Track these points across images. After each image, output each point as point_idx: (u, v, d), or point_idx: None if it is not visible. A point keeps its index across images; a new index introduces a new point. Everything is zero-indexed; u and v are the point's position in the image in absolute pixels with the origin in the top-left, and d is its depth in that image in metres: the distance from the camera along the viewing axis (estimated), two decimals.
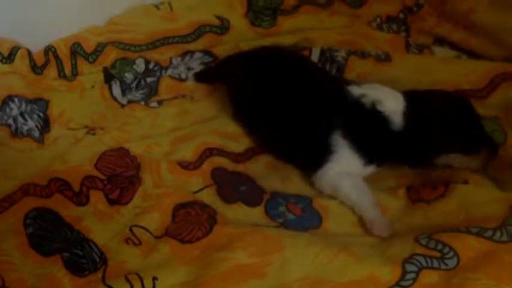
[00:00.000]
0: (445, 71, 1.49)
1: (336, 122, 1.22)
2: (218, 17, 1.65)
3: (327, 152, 1.22)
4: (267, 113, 1.34)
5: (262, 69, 1.42)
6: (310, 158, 1.26)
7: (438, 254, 0.99)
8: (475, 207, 1.13)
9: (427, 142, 1.19)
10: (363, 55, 1.57)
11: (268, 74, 1.39)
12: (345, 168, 1.21)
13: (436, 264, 0.98)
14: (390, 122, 1.18)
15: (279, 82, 1.35)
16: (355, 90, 1.24)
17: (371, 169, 1.23)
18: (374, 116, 1.20)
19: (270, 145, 1.36)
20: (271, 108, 1.33)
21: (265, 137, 1.37)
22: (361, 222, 1.16)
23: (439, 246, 1.00)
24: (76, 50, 1.53)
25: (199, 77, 1.60)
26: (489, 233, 1.01)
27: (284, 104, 1.31)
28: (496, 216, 1.06)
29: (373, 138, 1.21)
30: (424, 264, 0.97)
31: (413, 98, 1.21)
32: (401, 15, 1.76)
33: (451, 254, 0.99)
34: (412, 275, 0.96)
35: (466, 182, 1.20)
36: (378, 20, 1.75)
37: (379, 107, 1.20)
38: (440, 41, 1.70)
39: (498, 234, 1.01)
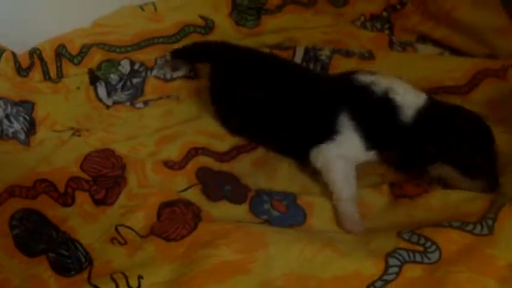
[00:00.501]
0: (428, 67, 1.51)
1: (344, 102, 1.23)
2: (202, 17, 1.66)
3: (332, 131, 1.22)
4: (270, 93, 1.34)
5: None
6: (314, 136, 1.25)
7: (421, 248, 1.00)
8: (458, 204, 1.14)
9: (429, 143, 1.18)
10: (347, 54, 1.58)
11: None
12: (345, 150, 1.22)
13: (418, 258, 0.99)
14: (400, 113, 1.19)
15: (284, 65, 1.41)
16: (367, 76, 1.25)
17: (370, 155, 1.23)
18: (384, 103, 1.20)
19: (266, 130, 1.36)
20: (277, 88, 1.34)
21: (261, 121, 1.36)
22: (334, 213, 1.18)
23: (422, 241, 1.01)
24: (61, 52, 1.53)
25: (177, 54, 1.60)
26: (470, 227, 1.02)
27: (293, 84, 1.32)
28: (477, 211, 1.07)
29: (379, 125, 1.21)
30: (407, 258, 0.99)
31: (437, 104, 1.22)
32: (384, 14, 1.77)
33: (434, 248, 1.00)
34: (395, 269, 0.97)
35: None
36: (362, 18, 1.76)
37: (392, 95, 1.20)
38: (424, 38, 1.71)
39: (479, 227, 1.02)
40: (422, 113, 1.19)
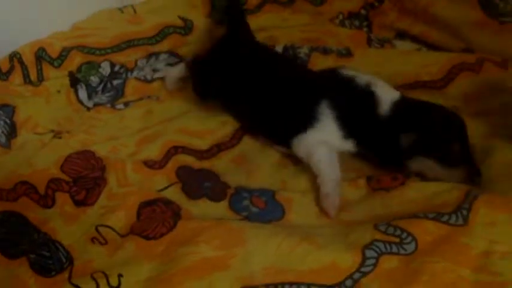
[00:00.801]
0: (405, 63, 1.52)
1: (325, 93, 1.26)
2: (182, 18, 1.67)
3: (312, 118, 1.25)
4: (258, 83, 1.39)
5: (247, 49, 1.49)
6: (295, 124, 1.28)
7: (397, 240, 1.02)
8: (433, 195, 1.15)
9: (404, 135, 1.21)
10: (325, 51, 1.59)
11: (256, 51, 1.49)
12: (325, 137, 1.25)
13: (395, 249, 1.01)
14: (378, 105, 1.22)
15: (270, 56, 1.46)
16: (350, 71, 1.29)
17: (349, 145, 1.25)
18: (364, 94, 1.24)
19: (255, 116, 1.40)
20: (263, 77, 1.39)
21: (250, 108, 1.40)
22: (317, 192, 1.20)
23: (398, 232, 1.03)
24: (41, 55, 1.53)
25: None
26: (445, 218, 1.04)
27: (276, 73, 1.38)
28: (452, 202, 1.08)
29: (357, 115, 1.24)
30: (384, 249, 1.00)
31: (412, 100, 1.25)
32: (363, 11, 1.79)
33: (410, 239, 1.02)
34: (372, 261, 0.99)
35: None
36: (340, 16, 1.78)
37: (373, 88, 1.24)
38: (402, 35, 1.73)
39: (454, 218, 1.04)
40: (399, 107, 1.22)
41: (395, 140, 1.21)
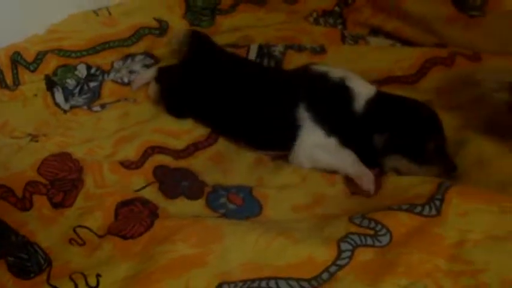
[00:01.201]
0: (378, 59, 1.54)
1: (299, 96, 1.27)
2: (157, 19, 1.68)
3: (294, 128, 1.27)
4: (232, 99, 1.38)
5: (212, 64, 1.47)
6: (283, 138, 1.30)
7: (371, 232, 1.03)
8: (406, 188, 1.17)
9: (378, 132, 1.23)
10: (299, 49, 1.60)
11: (223, 64, 1.46)
12: (312, 139, 1.26)
13: (370, 241, 1.02)
14: (353, 101, 1.24)
15: (237, 68, 1.43)
16: (322, 67, 1.29)
17: (332, 142, 1.26)
18: (339, 89, 1.25)
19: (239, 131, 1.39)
20: (236, 94, 1.37)
21: (231, 124, 1.39)
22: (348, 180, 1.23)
23: (372, 224, 1.04)
24: (16, 59, 1.53)
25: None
26: (419, 209, 1.06)
27: (248, 88, 1.37)
28: (425, 193, 1.10)
29: (334, 110, 1.25)
30: (359, 242, 1.02)
31: (387, 95, 1.27)
32: (336, 9, 1.81)
33: (384, 231, 1.03)
34: (348, 254, 1.00)
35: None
36: (315, 14, 1.79)
37: (348, 83, 1.25)
38: (376, 31, 1.74)
39: (427, 209, 1.06)
40: (373, 104, 1.24)
41: (370, 139, 1.23)
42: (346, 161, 1.23)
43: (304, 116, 1.26)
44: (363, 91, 1.25)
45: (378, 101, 1.25)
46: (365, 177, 1.19)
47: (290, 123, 1.27)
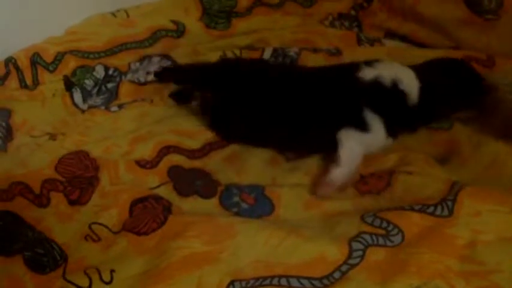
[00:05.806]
0: (392, 60, 1.53)
1: (364, 100, 1.25)
2: (174, 22, 1.69)
3: (363, 123, 1.24)
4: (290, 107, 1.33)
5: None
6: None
7: (383, 232, 1.04)
8: (419, 190, 1.17)
9: (437, 112, 1.29)
10: (315, 50, 1.61)
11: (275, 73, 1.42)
12: (374, 139, 1.25)
13: (381, 241, 1.03)
14: (408, 99, 1.24)
15: (288, 78, 1.38)
16: (370, 72, 1.28)
17: (389, 142, 1.27)
18: (395, 93, 1.25)
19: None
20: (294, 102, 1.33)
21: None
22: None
23: (384, 224, 1.05)
24: (36, 60, 1.55)
25: (160, 77, 1.61)
26: (431, 209, 1.06)
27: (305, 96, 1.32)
28: (437, 194, 1.11)
29: (395, 113, 1.25)
30: (370, 241, 1.02)
31: (421, 72, 1.29)
32: (352, 12, 1.82)
33: (396, 231, 1.04)
34: (359, 253, 1.01)
35: (409, 173, 1.23)
36: (330, 17, 1.81)
37: (401, 86, 1.25)
38: (392, 34, 1.75)
39: (439, 209, 1.06)
40: (423, 91, 1.26)
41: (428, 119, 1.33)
42: (350, 167, 1.22)
43: (372, 116, 1.24)
44: (412, 89, 1.25)
45: (425, 87, 1.26)
46: (332, 182, 1.20)
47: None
